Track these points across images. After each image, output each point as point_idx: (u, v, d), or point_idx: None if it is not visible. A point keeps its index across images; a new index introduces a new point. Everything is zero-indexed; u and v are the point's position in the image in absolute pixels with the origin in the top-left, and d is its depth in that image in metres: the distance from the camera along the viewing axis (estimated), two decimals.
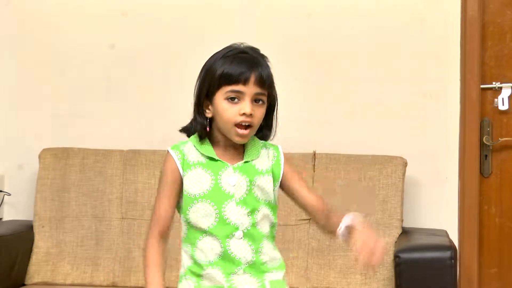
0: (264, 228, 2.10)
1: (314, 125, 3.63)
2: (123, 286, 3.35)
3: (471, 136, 3.51)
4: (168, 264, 3.33)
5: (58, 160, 3.50)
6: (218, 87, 2.06)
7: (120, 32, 3.72)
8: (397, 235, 3.27)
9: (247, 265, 2.07)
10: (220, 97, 2.06)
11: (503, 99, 3.54)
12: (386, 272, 3.20)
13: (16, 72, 3.78)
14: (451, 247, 2.93)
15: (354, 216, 2.08)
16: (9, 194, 3.74)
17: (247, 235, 2.07)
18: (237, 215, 2.07)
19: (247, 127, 2.05)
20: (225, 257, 2.06)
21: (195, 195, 2.07)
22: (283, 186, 2.15)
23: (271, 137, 2.17)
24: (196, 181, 2.08)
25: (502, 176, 3.59)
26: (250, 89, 2.04)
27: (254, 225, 2.08)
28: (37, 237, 3.44)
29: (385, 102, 3.58)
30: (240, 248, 2.07)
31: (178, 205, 2.12)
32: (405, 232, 3.31)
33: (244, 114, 2.03)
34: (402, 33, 3.58)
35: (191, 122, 2.15)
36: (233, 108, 2.04)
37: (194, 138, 2.13)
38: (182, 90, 3.68)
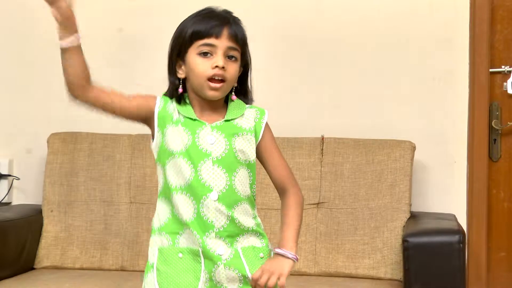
0: (242, 189, 2.08)
1: (323, 109, 3.63)
2: (132, 270, 3.36)
3: (480, 120, 3.51)
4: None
5: (66, 145, 3.51)
6: (190, 43, 2.07)
7: (128, 16, 3.72)
8: (406, 219, 3.27)
9: (221, 228, 2.04)
10: (192, 54, 2.07)
11: None
12: (395, 256, 3.21)
13: (24, 57, 3.79)
14: (459, 231, 2.92)
15: (276, 255, 2.09)
16: (18, 179, 3.75)
17: (223, 197, 2.04)
18: (212, 175, 2.04)
19: (220, 81, 2.05)
20: (199, 219, 2.04)
21: (173, 150, 2.06)
22: (258, 151, 2.14)
23: (250, 103, 2.16)
24: (176, 138, 2.07)
25: (511, 160, 3.58)
26: (222, 42, 2.05)
27: (231, 187, 2.05)
28: (46, 222, 3.46)
29: (394, 86, 3.57)
30: (214, 211, 2.04)
31: (158, 155, 2.10)
32: (414, 216, 3.31)
33: (216, 67, 2.03)
34: (411, 17, 3.56)
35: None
36: (205, 63, 2.05)
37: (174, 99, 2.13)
38: None
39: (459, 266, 2.85)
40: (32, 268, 3.41)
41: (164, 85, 3.66)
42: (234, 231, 2.06)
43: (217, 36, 2.05)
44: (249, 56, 2.14)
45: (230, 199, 2.05)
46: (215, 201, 2.04)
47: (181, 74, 2.11)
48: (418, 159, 3.44)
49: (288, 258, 2.08)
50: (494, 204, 3.57)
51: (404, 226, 3.24)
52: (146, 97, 2.14)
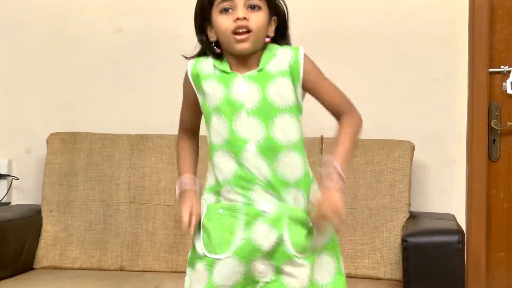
0: (285, 137, 2.06)
1: (322, 109, 3.62)
2: (131, 270, 3.36)
3: (479, 120, 3.51)
4: (176, 249, 3.35)
5: (65, 145, 3.51)
6: (210, 4, 2.07)
7: (126, 16, 3.72)
8: (405, 219, 3.27)
9: (265, 181, 2.03)
10: (215, 14, 2.07)
11: (511, 83, 3.53)
12: (394, 256, 3.21)
13: (23, 57, 3.78)
14: (459, 231, 2.92)
15: (330, 170, 2.05)
16: (17, 179, 3.75)
17: (261, 148, 2.03)
18: (247, 127, 2.04)
19: (245, 32, 2.04)
20: (241, 173, 2.03)
21: (209, 107, 2.08)
22: (305, 87, 2.11)
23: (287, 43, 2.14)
24: (210, 93, 2.08)
25: (510, 161, 3.58)
26: None
27: (269, 136, 2.04)
28: (45, 222, 3.46)
29: (393, 86, 3.57)
30: (254, 163, 2.03)
31: (205, 118, 2.13)
32: (413, 217, 3.31)
33: (237, 19, 2.03)
34: (410, 17, 3.56)
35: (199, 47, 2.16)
36: (227, 18, 2.05)
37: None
38: None
39: (459, 266, 2.85)
40: (32, 268, 3.41)
41: (164, 84, 3.67)
42: (277, 184, 2.04)
43: None
44: (281, 3, 2.13)
45: (269, 149, 2.04)
46: (253, 153, 2.03)
47: (212, 37, 2.11)
48: (417, 159, 3.44)
49: (333, 181, 2.03)
50: (493, 204, 3.57)
51: (403, 226, 3.24)
52: (185, 93, 2.19)
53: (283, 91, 2.07)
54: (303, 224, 2.07)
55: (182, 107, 2.23)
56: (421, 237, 2.94)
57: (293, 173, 2.07)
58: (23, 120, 3.77)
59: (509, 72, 3.53)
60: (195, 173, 2.21)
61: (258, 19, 2.06)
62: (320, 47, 3.62)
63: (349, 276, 3.24)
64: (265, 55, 2.10)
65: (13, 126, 3.78)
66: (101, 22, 3.72)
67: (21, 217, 3.42)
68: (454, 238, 2.87)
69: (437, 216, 3.32)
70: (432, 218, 3.26)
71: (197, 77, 2.11)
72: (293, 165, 2.07)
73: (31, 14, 3.76)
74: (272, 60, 2.09)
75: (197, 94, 2.13)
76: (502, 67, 3.54)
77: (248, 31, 2.04)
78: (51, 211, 3.46)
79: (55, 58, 3.77)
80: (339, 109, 2.15)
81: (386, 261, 3.22)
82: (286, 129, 2.06)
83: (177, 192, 2.17)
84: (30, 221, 3.43)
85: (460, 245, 2.86)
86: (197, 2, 2.14)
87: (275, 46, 2.12)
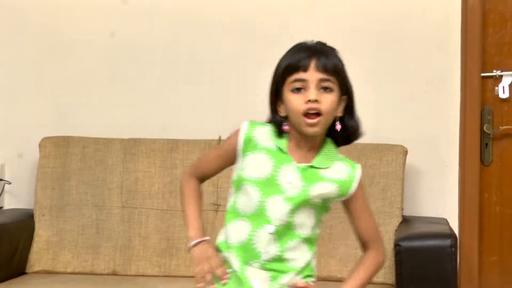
0: (302, 228, 2.07)
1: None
2: (124, 275, 3.35)
3: (472, 125, 3.51)
4: (168, 253, 3.34)
5: (58, 149, 3.50)
6: (283, 81, 2.04)
7: (120, 20, 3.72)
8: (398, 224, 3.27)
9: (266, 262, 2.05)
10: (287, 91, 2.04)
11: (503, 87, 3.53)
12: (387, 260, 3.20)
13: (16, 60, 3.78)
14: (451, 235, 2.93)
15: None
16: (10, 183, 3.74)
17: (279, 231, 2.04)
18: (277, 209, 2.04)
19: (316, 115, 2.01)
20: (247, 247, 2.05)
21: (250, 178, 2.06)
22: (345, 206, 2.14)
23: (359, 133, 2.14)
24: (256, 165, 2.06)
25: (503, 165, 3.58)
26: (312, 75, 2.02)
27: (290, 223, 2.05)
28: (37, 226, 3.45)
29: (386, 90, 3.58)
30: (265, 243, 2.04)
31: (236, 177, 2.11)
32: (406, 221, 3.31)
33: (309, 101, 2.00)
34: (403, 21, 3.57)
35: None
36: (299, 98, 2.02)
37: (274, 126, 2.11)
38: (183, 78, 3.69)
39: (451, 270, 2.86)
40: (24, 273, 3.40)
41: (157, 88, 3.67)
42: (280, 268, 2.06)
43: (305, 69, 2.02)
44: (349, 86, 2.10)
45: (285, 234, 2.05)
46: (270, 233, 2.04)
47: (282, 112, 2.08)
48: (410, 163, 3.44)
49: None
50: (486, 208, 3.57)
51: (396, 230, 3.24)
52: (227, 144, 2.15)
53: (324, 194, 2.08)
54: None
55: (210, 155, 2.22)
56: (414, 241, 2.94)
57: (298, 262, 2.09)
58: (16, 124, 3.76)
59: (501, 76, 3.54)
60: (201, 219, 2.19)
61: (329, 102, 2.03)
62: None
63: (342, 280, 3.24)
64: (323, 157, 2.08)
65: (6, 130, 3.77)
66: (94, 26, 3.72)
67: (14, 221, 3.41)
68: (447, 242, 2.87)
69: (430, 220, 3.33)
70: (424, 222, 3.26)
71: (248, 142, 2.08)
72: (300, 255, 2.09)
73: (24, 18, 3.76)
74: (326, 169, 2.08)
75: (239, 157, 2.11)
76: (494, 71, 3.55)
77: (319, 114, 2.02)
78: (43, 215, 3.46)
79: (48, 62, 3.76)
80: (368, 240, 2.16)
81: None
82: (305, 221, 2.07)
83: (191, 244, 2.13)
84: (23, 225, 3.43)
85: (453, 249, 2.86)
86: (273, 77, 2.10)
87: (334, 153, 2.09)
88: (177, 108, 3.68)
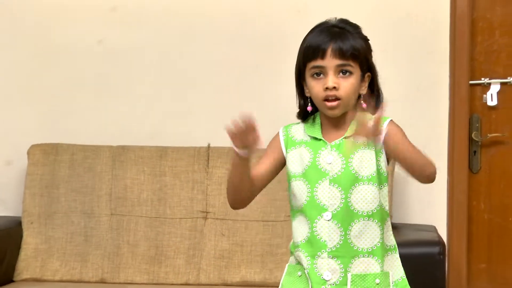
0: (362, 206, 2.05)
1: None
2: (112, 283, 3.34)
3: (460, 132, 3.52)
4: (157, 260, 3.32)
5: (47, 156, 3.49)
6: (304, 65, 2.08)
7: (109, 27, 3.71)
8: None
9: (333, 248, 2.04)
10: (308, 75, 2.08)
11: (492, 95, 3.54)
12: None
13: (4, 67, 3.77)
14: (440, 242, 2.93)
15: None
16: None
17: (337, 216, 2.03)
18: (327, 195, 2.05)
19: (335, 99, 2.04)
20: (312, 240, 2.05)
21: (294, 173, 2.09)
22: (387, 149, 2.08)
23: (379, 105, 2.13)
24: (297, 159, 2.09)
25: (491, 172, 3.59)
26: (329, 62, 2.04)
27: (346, 205, 2.04)
28: (26, 233, 3.44)
29: None
30: (327, 231, 2.04)
31: (287, 178, 2.12)
32: (394, 228, 3.28)
33: (327, 88, 2.03)
34: (391, 29, 3.58)
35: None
36: (318, 84, 2.05)
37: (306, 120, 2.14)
38: (171, 85, 3.69)
39: (440, 278, 2.86)
40: (11, 281, 3.38)
41: (145, 95, 3.67)
42: (347, 252, 2.05)
43: (322, 56, 2.04)
44: (371, 63, 2.13)
45: (345, 217, 2.04)
46: (328, 220, 2.04)
47: (307, 92, 2.11)
48: (398, 171, 3.44)
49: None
50: (474, 215, 3.58)
51: None
52: (270, 150, 2.14)
53: (365, 162, 2.06)
54: (374, 285, 2.07)
55: (260, 160, 2.16)
56: (402, 248, 2.92)
57: (368, 242, 2.07)
58: (4, 131, 3.75)
59: (489, 84, 3.55)
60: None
61: (348, 86, 2.05)
62: None
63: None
64: (353, 125, 2.06)
65: None
66: (83, 33, 3.71)
67: (1, 228, 3.40)
68: (435, 249, 2.88)
69: (418, 227, 3.33)
70: (413, 230, 3.26)
71: (286, 144, 2.12)
72: (369, 234, 2.07)
73: (12, 26, 3.75)
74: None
75: (285, 157, 2.13)
76: (482, 79, 3.56)
77: (338, 98, 2.04)
78: (31, 222, 3.44)
79: (36, 69, 3.75)
80: None
81: None
82: (364, 199, 2.06)
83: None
84: (11, 233, 3.42)
85: (441, 256, 2.86)
86: (297, 59, 2.12)
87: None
88: (165, 115, 3.67)
